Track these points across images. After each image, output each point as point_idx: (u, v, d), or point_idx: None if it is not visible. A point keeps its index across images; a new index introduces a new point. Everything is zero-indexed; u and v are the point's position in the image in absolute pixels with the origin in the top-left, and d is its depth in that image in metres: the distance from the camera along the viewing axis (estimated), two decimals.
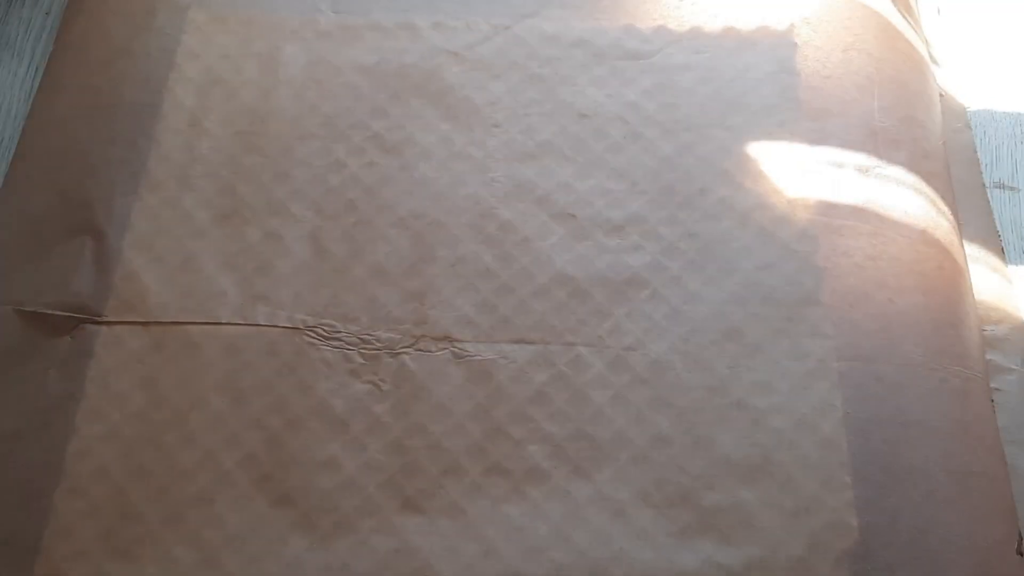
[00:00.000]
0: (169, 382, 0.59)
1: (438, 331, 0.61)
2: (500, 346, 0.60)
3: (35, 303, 0.61)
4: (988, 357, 0.63)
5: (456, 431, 0.57)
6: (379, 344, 0.60)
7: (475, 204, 0.65)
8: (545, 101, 0.69)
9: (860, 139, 0.67)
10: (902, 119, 0.68)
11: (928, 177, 0.66)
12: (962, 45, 0.78)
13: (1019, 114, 0.75)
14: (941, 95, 0.74)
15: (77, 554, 0.54)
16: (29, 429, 0.57)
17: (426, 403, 0.58)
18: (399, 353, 0.60)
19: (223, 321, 0.61)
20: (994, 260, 0.68)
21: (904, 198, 0.65)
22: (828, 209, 0.64)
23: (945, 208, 0.66)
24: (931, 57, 0.76)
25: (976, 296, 0.65)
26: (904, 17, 0.74)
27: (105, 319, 0.60)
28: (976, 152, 0.72)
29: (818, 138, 0.67)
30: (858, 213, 0.64)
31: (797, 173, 0.65)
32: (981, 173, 0.71)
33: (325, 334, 0.60)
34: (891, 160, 0.66)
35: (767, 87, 0.69)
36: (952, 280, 0.63)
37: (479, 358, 0.60)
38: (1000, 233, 0.69)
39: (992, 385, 0.61)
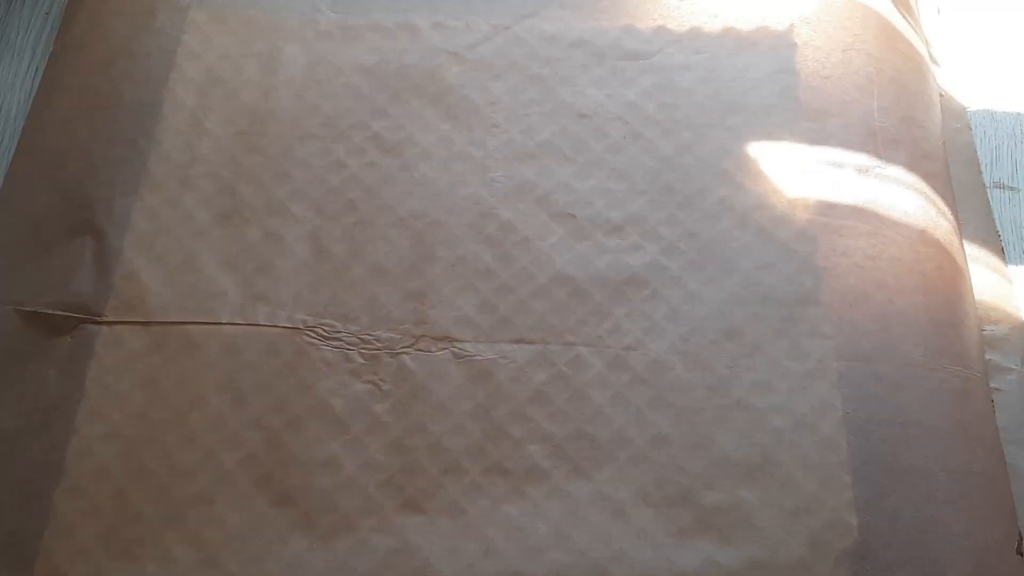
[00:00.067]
0: (169, 382, 0.59)
1: (438, 331, 0.61)
2: (500, 346, 0.60)
3: (35, 303, 0.61)
4: (988, 357, 0.63)
5: (456, 431, 0.57)
6: (379, 344, 0.60)
7: (475, 204, 0.65)
8: (545, 101, 0.69)
9: (860, 139, 0.67)
10: (902, 119, 0.68)
11: (928, 177, 0.66)
12: (962, 45, 0.78)
13: (1019, 114, 0.75)
14: (941, 95, 0.74)
15: (77, 554, 0.54)
16: (29, 429, 0.57)
17: (426, 403, 0.58)
18: (399, 353, 0.60)
19: (223, 321, 0.61)
20: (994, 260, 0.68)
21: (904, 198, 0.65)
22: (828, 209, 0.64)
23: (945, 208, 0.66)
24: (931, 57, 0.76)
25: (976, 296, 0.65)
26: (904, 17, 0.74)
27: (105, 319, 0.60)
28: (976, 152, 0.72)
29: (818, 138, 0.67)
30: (858, 213, 0.64)
31: (797, 173, 0.65)
32: (981, 173, 0.71)
33: (325, 334, 0.60)
34: (891, 160, 0.66)
35: (767, 87, 0.69)
36: (952, 280, 0.63)
37: (479, 358, 0.60)
38: (1000, 233, 0.69)
39: (992, 385, 0.61)
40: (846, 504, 0.54)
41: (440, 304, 0.61)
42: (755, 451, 0.56)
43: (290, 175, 0.66)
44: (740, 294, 0.61)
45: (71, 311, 0.61)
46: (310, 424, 0.58)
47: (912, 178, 0.66)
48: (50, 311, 0.61)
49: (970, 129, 0.73)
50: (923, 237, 0.64)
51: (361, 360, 0.60)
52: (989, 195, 0.70)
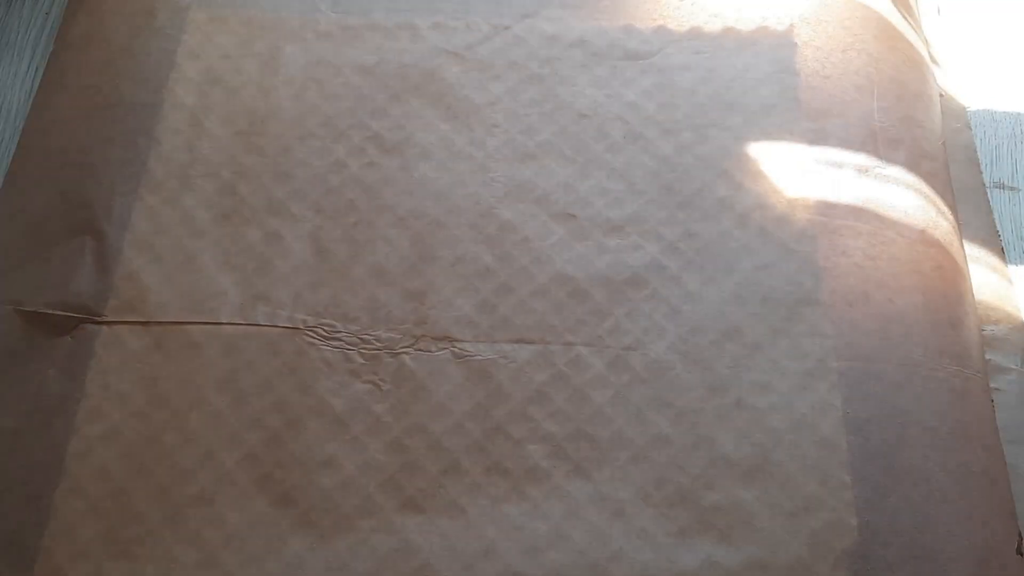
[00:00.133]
0: (169, 382, 0.59)
1: (438, 331, 0.61)
2: (500, 346, 0.60)
3: (35, 303, 0.61)
4: (987, 357, 0.63)
5: (456, 431, 0.57)
6: (379, 344, 0.60)
7: (475, 204, 0.65)
8: (545, 101, 0.69)
9: (860, 139, 0.67)
10: (902, 119, 0.68)
11: (928, 177, 0.66)
12: (962, 45, 0.78)
13: (1019, 114, 0.75)
14: (941, 95, 0.74)
15: (77, 554, 0.54)
16: (29, 429, 0.57)
17: (426, 403, 0.58)
18: (399, 353, 0.60)
19: (223, 321, 0.61)
20: (994, 260, 0.68)
21: (903, 198, 0.65)
22: (827, 209, 0.64)
23: (945, 208, 0.66)
24: (931, 57, 0.76)
25: (976, 296, 0.65)
26: (904, 17, 0.74)
27: (105, 319, 0.60)
28: (976, 152, 0.72)
29: (817, 138, 0.67)
30: (857, 213, 0.64)
31: (797, 173, 0.65)
32: (981, 173, 0.71)
33: (325, 334, 0.60)
34: (891, 160, 0.66)
35: (767, 87, 0.69)
36: (952, 280, 0.63)
37: (479, 358, 0.60)
38: (1000, 233, 0.69)
39: (992, 385, 0.61)
40: (846, 504, 0.54)
41: (440, 304, 0.61)
42: (755, 451, 0.56)
43: (290, 175, 0.66)
44: (740, 294, 0.61)
45: (71, 311, 0.61)
46: (310, 424, 0.58)
47: (912, 178, 0.66)
48: (50, 311, 0.61)
49: (970, 129, 0.73)
50: (923, 237, 0.64)
51: (361, 360, 0.60)
52: (989, 195, 0.70)
